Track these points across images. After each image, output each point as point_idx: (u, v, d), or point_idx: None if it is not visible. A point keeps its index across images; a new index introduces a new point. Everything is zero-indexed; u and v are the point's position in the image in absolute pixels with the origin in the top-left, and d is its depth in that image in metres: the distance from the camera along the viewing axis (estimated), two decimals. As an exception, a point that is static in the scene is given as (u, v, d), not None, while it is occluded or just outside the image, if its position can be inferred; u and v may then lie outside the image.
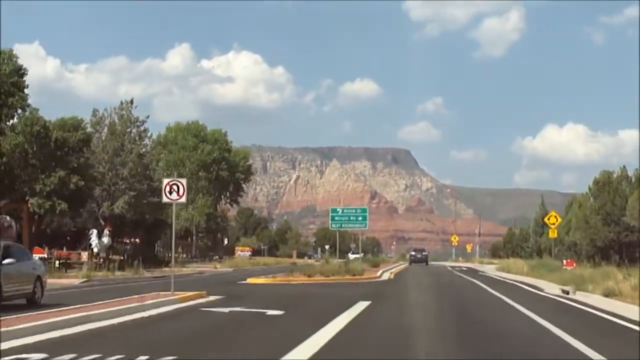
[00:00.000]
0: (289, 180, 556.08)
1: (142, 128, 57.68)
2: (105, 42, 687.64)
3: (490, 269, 61.12)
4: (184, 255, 72.81)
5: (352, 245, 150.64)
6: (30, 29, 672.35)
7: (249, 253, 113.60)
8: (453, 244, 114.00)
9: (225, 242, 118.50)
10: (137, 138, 56.62)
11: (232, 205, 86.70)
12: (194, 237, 77.78)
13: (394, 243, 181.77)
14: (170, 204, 26.75)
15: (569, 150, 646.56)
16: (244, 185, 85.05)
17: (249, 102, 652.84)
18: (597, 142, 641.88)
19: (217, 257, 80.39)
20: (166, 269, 49.78)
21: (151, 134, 58.44)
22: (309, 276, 35.44)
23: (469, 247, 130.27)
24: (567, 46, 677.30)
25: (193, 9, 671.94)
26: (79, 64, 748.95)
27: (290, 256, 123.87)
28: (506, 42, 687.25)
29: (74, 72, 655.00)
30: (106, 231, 52.54)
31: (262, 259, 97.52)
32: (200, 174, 76.74)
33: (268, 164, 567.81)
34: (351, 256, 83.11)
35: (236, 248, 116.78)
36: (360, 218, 48.86)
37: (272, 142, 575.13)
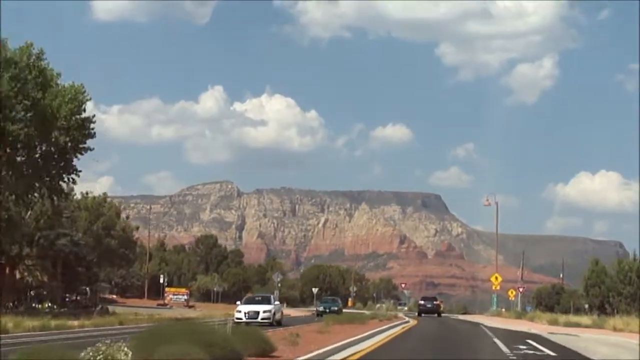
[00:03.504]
0: (318, 223, 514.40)
1: None
2: (139, 84, 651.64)
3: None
4: None
5: (353, 288, 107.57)
6: (66, 71, 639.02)
7: (185, 297, 71.86)
8: (494, 287, 69.17)
9: (162, 280, 76.70)
10: None
11: (54, 198, 40.76)
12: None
13: (403, 285, 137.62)
14: None
15: (602, 197, 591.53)
16: (75, 157, 38.03)
17: (281, 145, 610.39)
18: (630, 190, 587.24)
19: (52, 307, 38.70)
20: None
21: None
22: None
23: (511, 294, 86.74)
24: (599, 93, 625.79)
25: (226, 52, 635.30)
26: (112, 105, 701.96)
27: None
28: (539, 89, 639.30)
29: (107, 113, 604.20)
30: None
31: (186, 310, 55.82)
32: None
33: (297, 206, 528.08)
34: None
35: (166, 290, 74.58)
36: None
37: (302, 185, 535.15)
